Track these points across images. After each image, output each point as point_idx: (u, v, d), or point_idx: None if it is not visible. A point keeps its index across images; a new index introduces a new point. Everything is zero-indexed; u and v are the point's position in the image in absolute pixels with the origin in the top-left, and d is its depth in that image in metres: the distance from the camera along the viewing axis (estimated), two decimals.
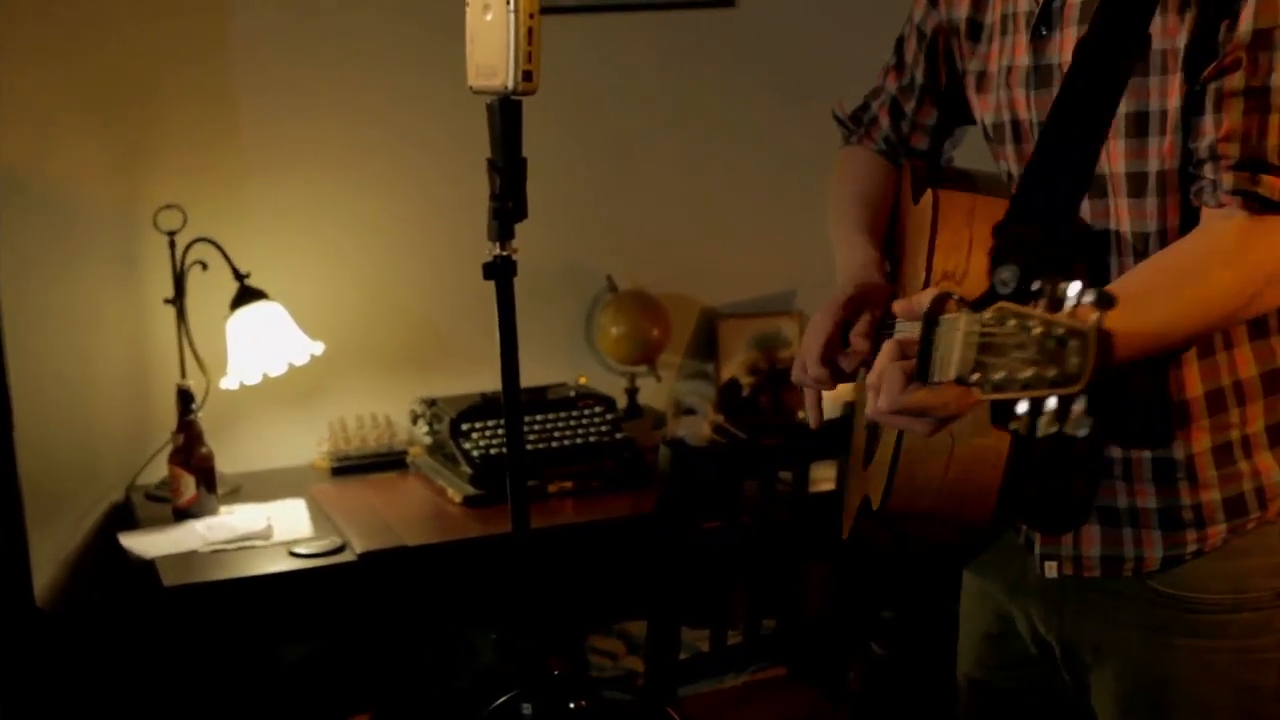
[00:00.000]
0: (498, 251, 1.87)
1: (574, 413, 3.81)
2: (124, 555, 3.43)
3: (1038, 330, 1.39)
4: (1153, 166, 1.90)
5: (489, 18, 1.83)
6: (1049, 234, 1.82)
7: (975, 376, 1.46)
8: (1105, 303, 1.37)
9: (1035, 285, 1.42)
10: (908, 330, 1.72)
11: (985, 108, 2.14)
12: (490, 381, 3.60)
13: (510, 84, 1.81)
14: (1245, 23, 1.80)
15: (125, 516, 3.78)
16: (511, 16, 1.80)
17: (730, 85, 4.30)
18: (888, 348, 1.72)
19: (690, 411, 4.09)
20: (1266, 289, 1.82)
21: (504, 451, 2.10)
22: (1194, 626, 2.00)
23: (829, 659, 3.54)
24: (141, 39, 3.84)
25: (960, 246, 1.96)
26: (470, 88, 1.87)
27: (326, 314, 3.97)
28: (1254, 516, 1.97)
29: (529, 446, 3.68)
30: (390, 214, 4.07)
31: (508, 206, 1.85)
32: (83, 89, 3.81)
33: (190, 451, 3.57)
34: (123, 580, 3.55)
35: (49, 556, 3.82)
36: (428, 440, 3.87)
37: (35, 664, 3.64)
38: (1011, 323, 1.42)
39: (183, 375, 3.73)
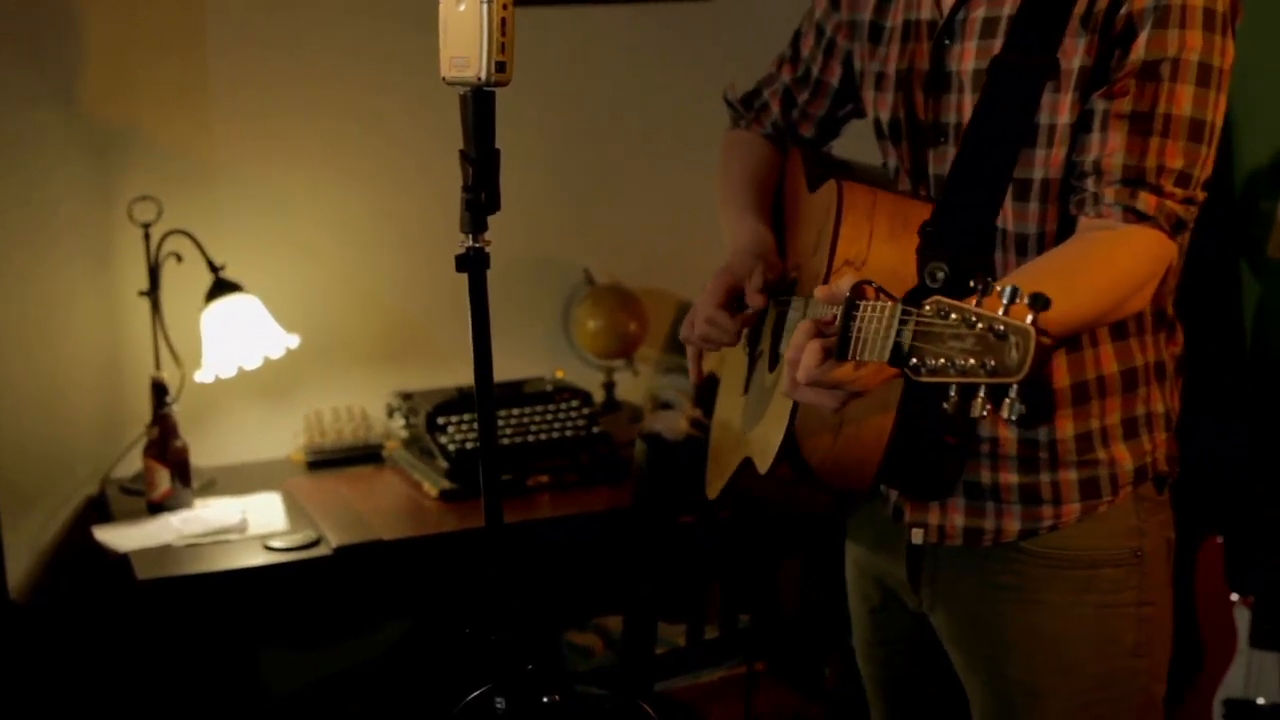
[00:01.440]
0: (470, 243, 1.86)
1: (550, 407, 3.80)
2: (98, 549, 3.42)
3: (980, 325, 1.55)
4: (1038, 174, 2.05)
5: (462, 8, 1.82)
6: (974, 235, 1.97)
7: (912, 361, 1.61)
8: (1040, 305, 1.53)
9: (971, 283, 1.59)
10: (821, 312, 1.84)
11: (882, 106, 2.28)
12: (467, 375, 3.56)
13: (483, 75, 1.81)
14: (1138, 52, 1.97)
15: (100, 510, 3.77)
16: (484, 7, 1.80)
17: (706, 78, 4.25)
18: (804, 326, 1.83)
19: (667, 406, 4.08)
20: (1134, 294, 1.98)
21: (495, 418, 2.12)
22: (1060, 583, 2.15)
23: (805, 655, 3.54)
24: (116, 31, 3.82)
25: (861, 236, 2.08)
26: (443, 79, 1.86)
27: (302, 307, 3.96)
28: (1105, 500, 2.15)
29: (506, 441, 3.68)
30: (365, 207, 4.05)
31: (480, 198, 1.84)
32: (56, 81, 3.79)
33: (165, 445, 3.55)
34: (97, 574, 3.53)
35: (23, 550, 3.80)
36: (404, 434, 3.86)
37: (9, 658, 3.62)
38: (953, 316, 1.57)
39: (157, 368, 3.71)
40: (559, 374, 4.03)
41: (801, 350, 1.82)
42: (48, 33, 3.77)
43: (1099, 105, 1.98)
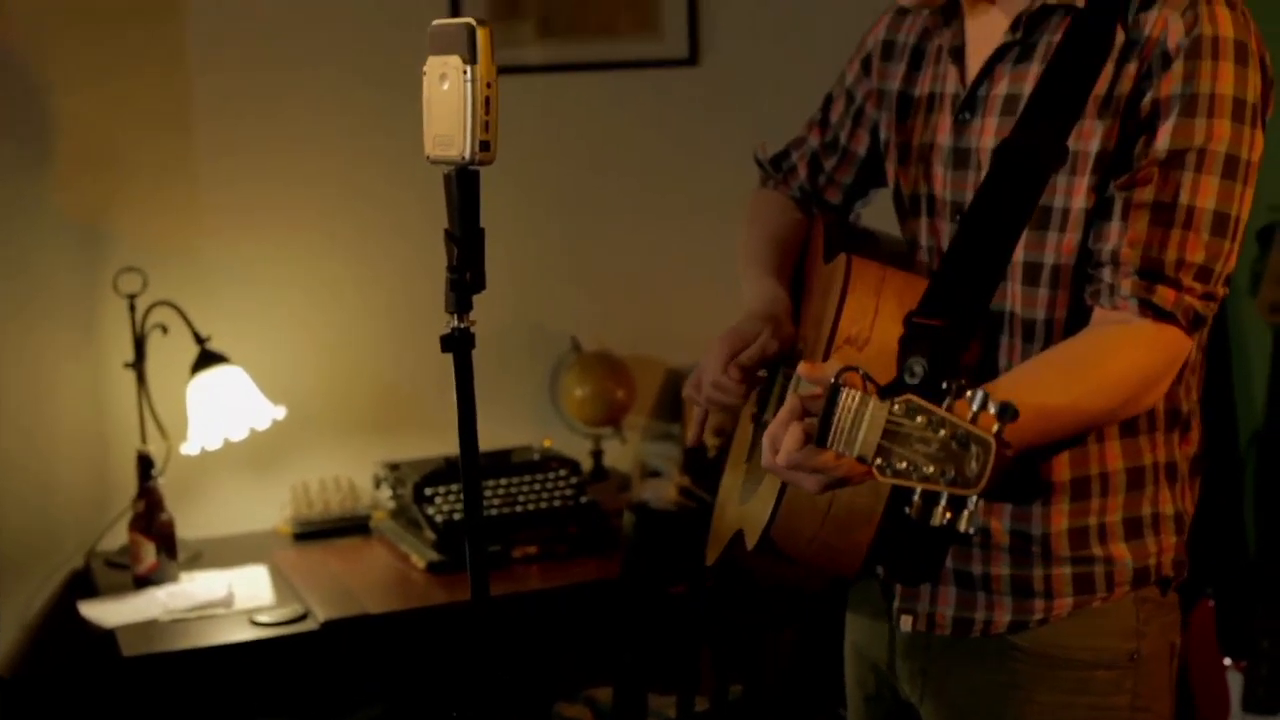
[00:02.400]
0: (455, 324, 1.83)
1: (538, 476, 3.78)
2: (84, 623, 3.39)
3: (943, 431, 1.54)
4: (1049, 259, 2.01)
5: (445, 86, 1.81)
6: (959, 331, 1.88)
7: (878, 461, 1.60)
8: (1007, 415, 1.52)
9: (944, 384, 1.57)
10: (810, 389, 1.80)
11: (904, 180, 2.24)
12: (455, 444, 3.54)
13: (467, 154, 1.79)
14: (1162, 140, 1.91)
15: (85, 583, 3.74)
16: (468, 86, 1.78)
17: (694, 144, 4.30)
18: (790, 404, 1.79)
19: (655, 474, 4.07)
20: (1145, 392, 1.94)
21: (481, 494, 2.10)
22: (1053, 682, 2.09)
23: None
24: (101, 101, 3.82)
25: (866, 314, 2.05)
26: (427, 157, 1.85)
27: (288, 377, 3.94)
28: (1099, 596, 2.08)
29: (493, 511, 3.66)
30: (352, 276, 4.05)
31: (465, 278, 1.82)
32: (42, 152, 3.79)
33: (150, 518, 3.53)
34: (83, 648, 3.50)
35: (9, 623, 3.78)
36: (391, 505, 3.84)
37: None
38: (919, 418, 1.56)
39: (143, 440, 3.69)
40: (547, 443, 4.02)
41: (783, 431, 1.80)
42: (32, 104, 3.78)
43: (1120, 193, 1.93)
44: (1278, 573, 3.78)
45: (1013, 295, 2.04)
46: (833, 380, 1.70)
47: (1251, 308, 4.11)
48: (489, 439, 3.75)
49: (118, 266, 3.71)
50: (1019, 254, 2.01)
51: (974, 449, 1.51)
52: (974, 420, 1.54)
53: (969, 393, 1.55)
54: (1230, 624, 3.67)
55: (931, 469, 1.54)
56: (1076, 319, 1.99)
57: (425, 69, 1.84)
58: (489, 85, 1.79)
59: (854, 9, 2.33)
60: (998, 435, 1.51)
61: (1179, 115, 1.90)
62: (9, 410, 3.79)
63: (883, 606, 2.22)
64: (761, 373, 2.30)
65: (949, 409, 1.56)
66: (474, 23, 1.80)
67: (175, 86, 3.89)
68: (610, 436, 4.20)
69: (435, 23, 1.84)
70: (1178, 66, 1.91)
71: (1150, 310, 1.89)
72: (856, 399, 1.66)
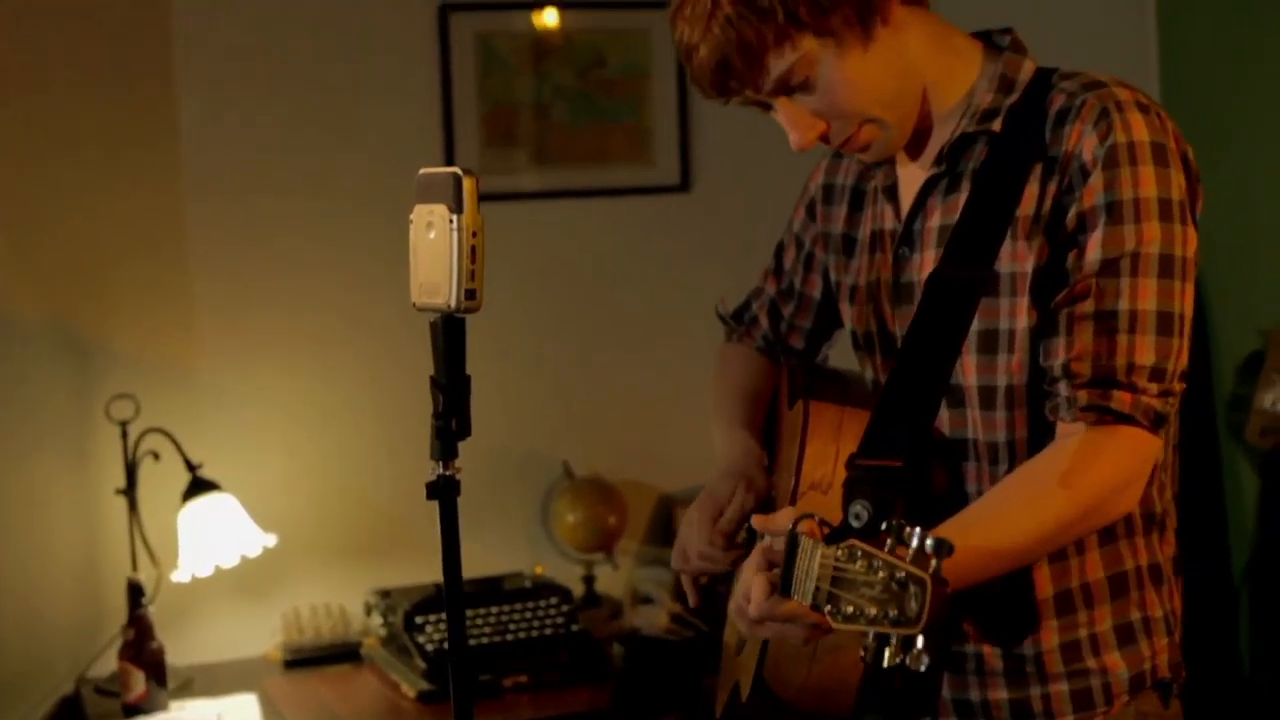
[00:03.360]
0: (441, 471, 1.84)
1: (529, 604, 3.77)
2: None
3: (882, 573, 1.56)
4: (1001, 381, 2.01)
5: (432, 235, 1.82)
6: (900, 470, 1.88)
7: (828, 608, 1.62)
8: (943, 551, 1.54)
9: (884, 525, 1.59)
10: (774, 541, 1.82)
11: (855, 319, 2.26)
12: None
13: (453, 303, 1.80)
14: (1093, 252, 1.93)
15: (75, 710, 3.71)
16: (454, 235, 1.79)
17: (685, 269, 4.32)
18: (754, 557, 1.82)
19: (648, 600, 4.06)
20: (1118, 497, 1.94)
21: (466, 638, 2.09)
22: None
23: None
24: (95, 226, 3.86)
25: (827, 459, 2.07)
26: (413, 304, 1.86)
27: (280, 503, 3.94)
28: (1100, 711, 2.06)
29: (484, 640, 3.65)
30: (343, 402, 4.05)
31: (451, 426, 1.83)
32: (36, 277, 3.81)
33: (140, 646, 3.52)
34: None
35: None
36: (382, 632, 3.83)
37: None
38: (860, 562, 1.58)
39: (134, 567, 3.68)
40: (538, 570, 4.01)
41: (749, 586, 1.82)
42: (24, 229, 3.80)
43: (1062, 309, 1.94)
44: (1272, 690, 3.77)
45: (973, 421, 2.04)
46: (791, 529, 1.72)
47: (1241, 427, 4.12)
48: (481, 565, 3.76)
49: (110, 393, 3.72)
50: (972, 379, 2.03)
51: (912, 588, 1.53)
52: (914, 559, 1.55)
53: (907, 531, 1.56)
54: None
55: (875, 611, 1.56)
56: (1038, 436, 2.00)
57: (412, 217, 1.86)
58: (475, 234, 1.81)
59: None
60: (934, 573, 1.53)
61: (1106, 224, 1.92)
62: (1, 533, 3.78)
63: None
64: (741, 535, 2.31)
65: (891, 550, 1.57)
66: (460, 172, 1.82)
67: (170, 211, 3.91)
68: (602, 562, 4.19)
69: (422, 171, 1.86)
70: (1097, 177, 1.93)
71: (1110, 415, 1.90)
72: (810, 548, 1.68)
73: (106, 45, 3.88)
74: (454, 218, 1.80)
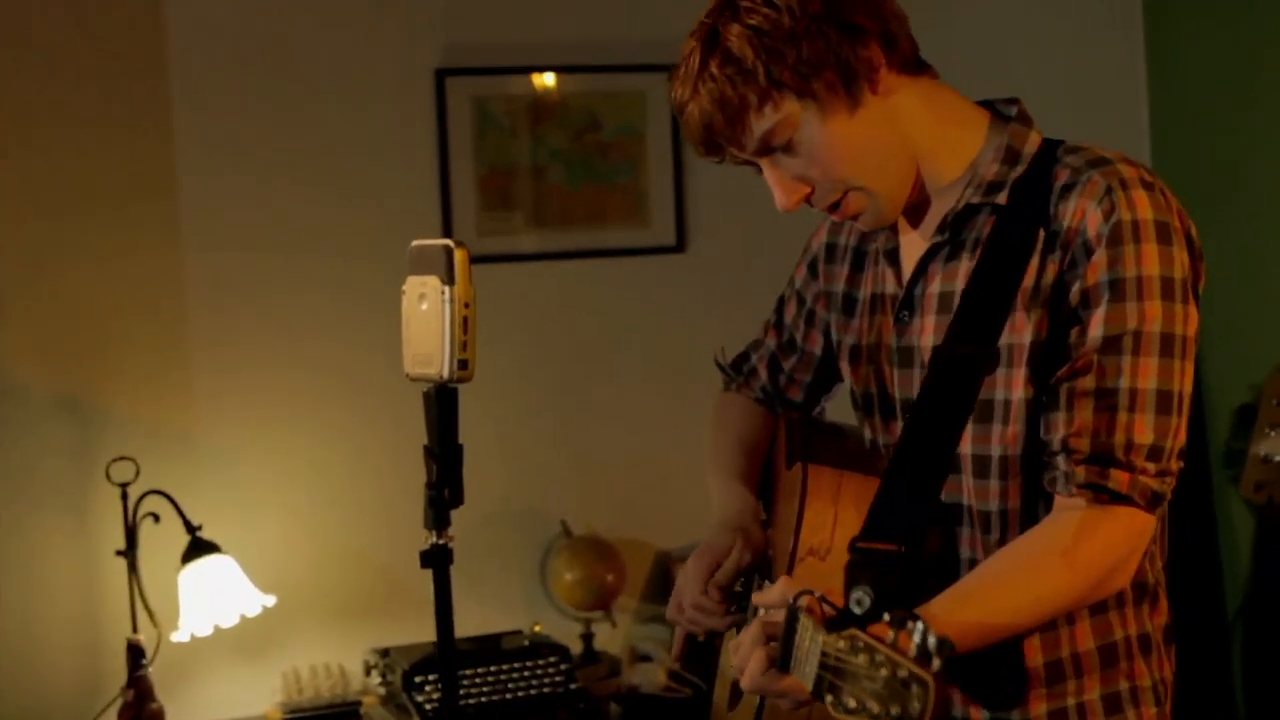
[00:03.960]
0: (434, 540, 1.86)
1: (528, 663, 3.78)
2: None
3: (884, 670, 1.56)
4: (995, 451, 2.02)
5: (424, 306, 1.85)
6: (902, 554, 1.89)
7: (829, 698, 1.62)
8: (945, 650, 1.54)
9: (887, 616, 1.59)
10: (773, 612, 1.83)
11: (855, 379, 2.27)
12: None
13: (446, 373, 1.82)
14: (1096, 328, 1.94)
15: None
16: (447, 307, 1.82)
17: (681, 328, 4.34)
18: (753, 629, 1.83)
19: (646, 658, 4.07)
20: (1111, 576, 1.96)
21: (458, 704, 2.11)
22: None
23: None
24: (93, 288, 3.89)
25: (825, 524, 2.08)
26: (407, 375, 1.89)
27: (279, 563, 3.96)
28: None
29: (483, 699, 3.67)
30: (342, 462, 4.08)
31: (444, 495, 1.85)
32: (34, 341, 3.84)
33: (140, 708, 3.54)
34: None
35: None
36: (381, 691, 3.84)
37: None
38: (862, 655, 1.58)
39: (134, 627, 3.70)
40: (537, 628, 4.02)
41: (748, 655, 1.83)
42: (25, 292, 3.83)
43: (1063, 384, 1.95)
44: None
45: (967, 489, 2.05)
46: (791, 605, 1.73)
47: (1232, 486, 4.13)
48: (479, 623, 3.77)
49: (110, 454, 3.74)
50: (967, 448, 2.03)
51: (914, 689, 1.53)
52: (917, 656, 1.55)
53: (909, 624, 1.56)
54: None
55: (878, 708, 1.56)
56: (1031, 506, 2.02)
57: (404, 288, 1.88)
58: (467, 305, 1.83)
59: None
60: (937, 674, 1.53)
61: (1109, 302, 1.93)
62: (1, 596, 3.80)
63: None
64: (739, 586, 2.32)
65: (894, 643, 1.58)
66: (452, 244, 1.84)
67: (169, 272, 3.95)
68: (600, 620, 4.20)
69: (414, 243, 1.88)
70: (1100, 254, 1.94)
71: (1106, 495, 1.91)
72: (810, 629, 1.68)
73: (105, 102, 3.93)
74: (446, 289, 1.83)
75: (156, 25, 3.95)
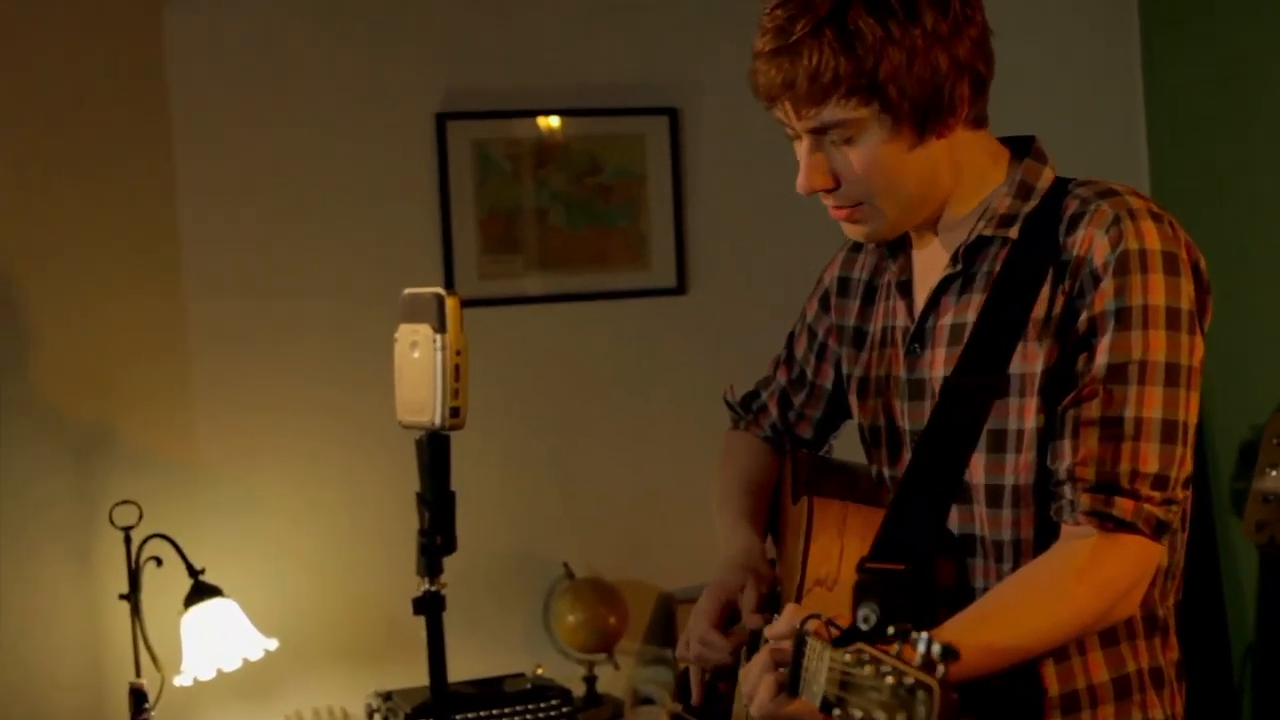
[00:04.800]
0: (427, 586, 1.87)
1: (530, 705, 3.79)
2: None
3: (890, 679, 1.57)
4: (1009, 480, 2.02)
5: (416, 355, 1.86)
6: (909, 574, 1.91)
7: (836, 712, 1.63)
8: (949, 657, 1.55)
9: (891, 629, 1.60)
10: (782, 640, 1.83)
11: (863, 413, 2.27)
12: (449, 672, 3.57)
13: (438, 421, 1.84)
14: (1102, 356, 1.94)
15: None
16: (438, 355, 1.84)
17: (682, 370, 4.36)
18: (762, 656, 1.83)
19: (648, 701, 4.07)
20: (1118, 603, 1.96)
21: None
22: None
23: None
24: (97, 334, 3.91)
25: (832, 556, 2.08)
26: (399, 422, 1.90)
27: (281, 607, 3.97)
28: None
29: None
30: (344, 505, 4.09)
31: (436, 542, 1.86)
32: (39, 387, 3.86)
33: None
34: None
35: None
36: None
37: None
38: (868, 667, 1.60)
39: (137, 670, 3.70)
40: (539, 670, 4.02)
41: (757, 682, 1.83)
42: (30, 337, 3.85)
43: (1068, 411, 1.96)
44: None
45: (980, 518, 2.06)
46: (798, 629, 1.74)
47: (1237, 525, 4.13)
48: (482, 666, 3.76)
49: (113, 498, 3.74)
50: (980, 478, 2.04)
51: (920, 694, 1.54)
52: (922, 664, 1.56)
53: (914, 635, 1.57)
54: None
55: (884, 717, 1.57)
56: (1044, 535, 2.01)
57: (397, 336, 1.90)
58: (459, 353, 1.85)
59: (831, 244, 2.40)
60: (942, 680, 1.54)
61: (1115, 330, 1.94)
62: (5, 639, 3.81)
63: None
64: (745, 629, 2.31)
65: (898, 655, 1.59)
66: (443, 293, 1.86)
67: (172, 317, 3.98)
68: (603, 662, 4.20)
69: (406, 292, 1.90)
70: (1108, 283, 1.95)
71: (1111, 523, 1.92)
72: (817, 649, 1.70)
73: (106, 148, 3.96)
74: (438, 337, 1.85)
75: (158, 71, 3.98)
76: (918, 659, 1.57)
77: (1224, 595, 4.36)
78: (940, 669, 1.55)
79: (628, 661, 4.29)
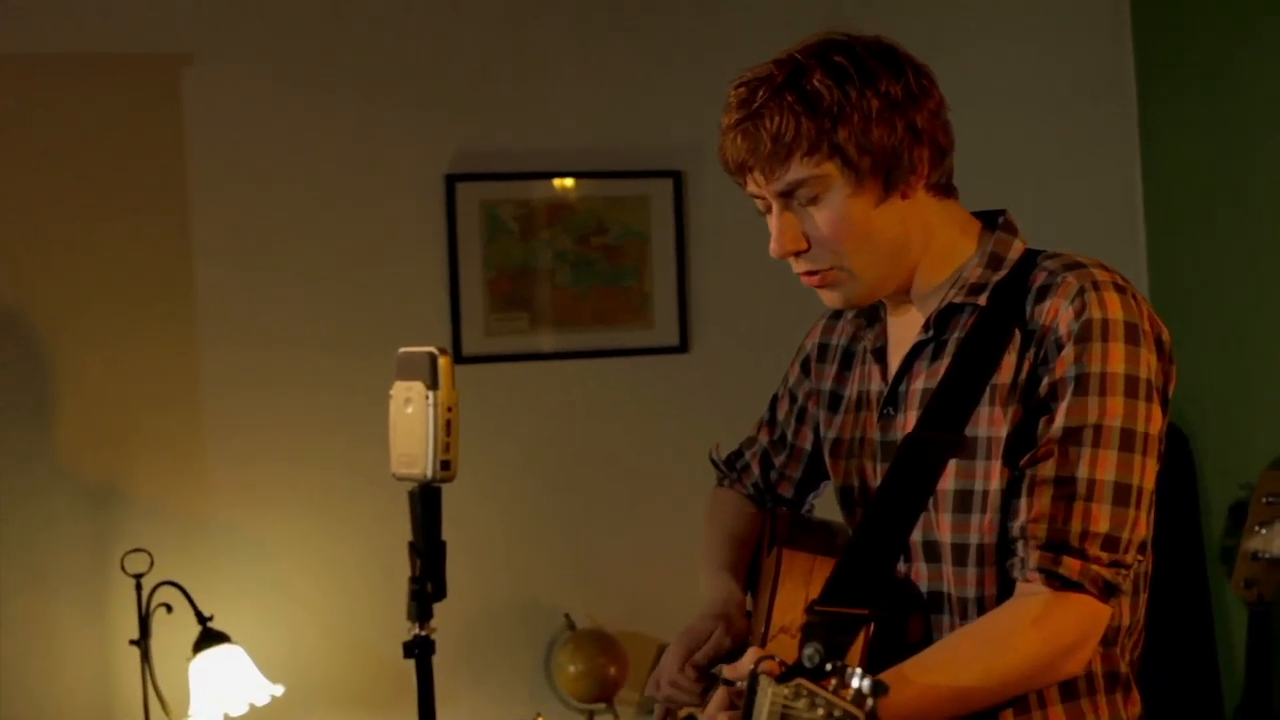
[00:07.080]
0: (417, 631, 1.95)
1: None
2: None
3: (821, 710, 1.62)
4: (974, 540, 2.09)
5: (409, 410, 1.94)
6: (855, 618, 1.93)
7: None
8: (879, 691, 1.61)
9: (829, 666, 1.66)
10: (741, 683, 1.90)
11: (837, 473, 2.34)
12: (455, 717, 3.63)
13: (429, 473, 1.92)
14: (1059, 420, 2.00)
15: None
16: (431, 410, 1.91)
17: (684, 425, 4.41)
18: (719, 696, 1.91)
19: None
20: (1063, 658, 2.00)
21: None
22: None
23: None
24: (112, 380, 4.00)
25: (797, 604, 2.14)
26: (393, 475, 1.97)
27: (288, 653, 4.03)
28: None
29: None
30: (351, 554, 4.15)
31: (427, 588, 1.94)
32: (53, 436, 3.95)
33: None
34: None
35: None
36: None
37: None
38: (803, 700, 1.65)
39: (146, 716, 3.76)
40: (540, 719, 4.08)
41: None
42: (45, 388, 3.94)
43: (1026, 471, 2.01)
44: None
45: (947, 576, 2.11)
46: (752, 669, 1.79)
47: (1227, 586, 4.18)
48: (483, 715, 3.81)
49: (125, 545, 3.82)
50: (947, 536, 2.10)
51: None
52: (854, 699, 1.62)
53: (849, 671, 1.63)
54: None
55: None
56: (1006, 593, 2.06)
57: (391, 392, 1.98)
58: (450, 409, 1.93)
59: (826, 308, 2.48)
60: (870, 713, 1.60)
61: (1073, 394, 1.99)
62: (18, 684, 3.88)
63: None
64: (717, 669, 2.39)
65: (835, 690, 1.65)
66: (436, 351, 1.94)
67: (185, 366, 4.06)
68: (603, 713, 4.25)
69: (401, 350, 1.99)
70: (1069, 350, 2.01)
71: (1057, 581, 1.97)
72: (765, 685, 1.74)
73: (123, 203, 4.06)
74: (430, 394, 1.93)
75: (174, 131, 4.08)
76: (851, 694, 1.63)
77: (1217, 653, 4.41)
78: (869, 703, 1.60)
79: (627, 712, 4.34)
